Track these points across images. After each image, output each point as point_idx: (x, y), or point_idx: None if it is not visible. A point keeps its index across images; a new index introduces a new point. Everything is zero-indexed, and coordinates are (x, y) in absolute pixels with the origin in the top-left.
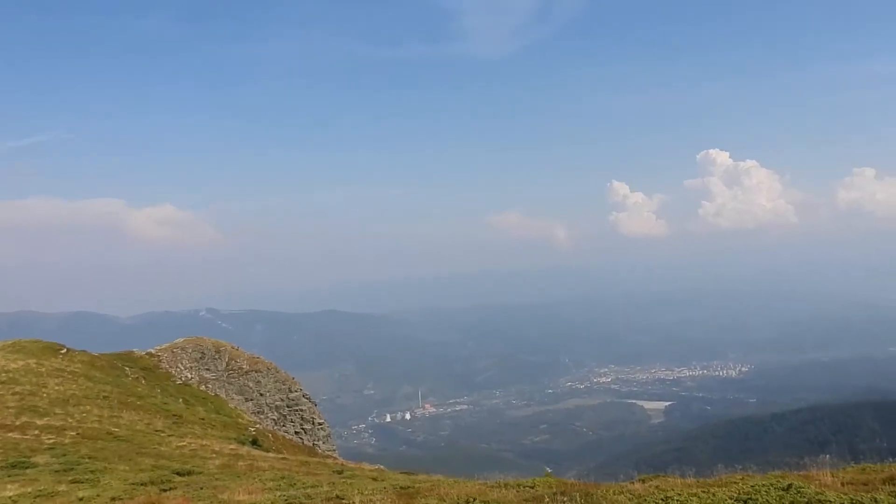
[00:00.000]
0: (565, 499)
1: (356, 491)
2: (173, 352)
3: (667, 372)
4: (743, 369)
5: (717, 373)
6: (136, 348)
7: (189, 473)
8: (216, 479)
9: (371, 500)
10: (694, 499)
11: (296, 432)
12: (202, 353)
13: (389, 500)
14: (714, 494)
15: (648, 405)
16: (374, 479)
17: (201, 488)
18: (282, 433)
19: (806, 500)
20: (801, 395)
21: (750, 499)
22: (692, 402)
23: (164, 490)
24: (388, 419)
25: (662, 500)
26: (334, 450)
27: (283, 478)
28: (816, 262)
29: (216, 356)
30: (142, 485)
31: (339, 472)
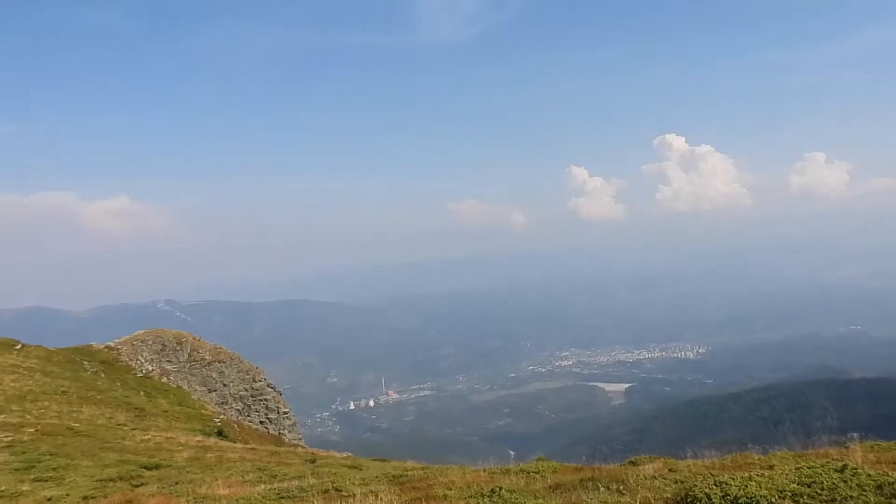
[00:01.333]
0: (599, 485)
1: (348, 481)
2: (133, 344)
3: (627, 354)
4: (700, 350)
5: (675, 354)
6: (93, 342)
7: (157, 467)
8: (187, 472)
9: (375, 493)
10: (752, 483)
11: (261, 422)
12: (163, 344)
13: (394, 491)
14: (772, 479)
15: (609, 387)
16: (350, 468)
17: (176, 483)
18: (247, 423)
19: (859, 481)
20: (756, 375)
21: (813, 482)
22: (652, 383)
23: (135, 486)
24: (352, 407)
25: (715, 484)
26: (300, 438)
27: (260, 469)
28: (770, 245)
29: (177, 347)
30: (110, 481)
31: (312, 461)
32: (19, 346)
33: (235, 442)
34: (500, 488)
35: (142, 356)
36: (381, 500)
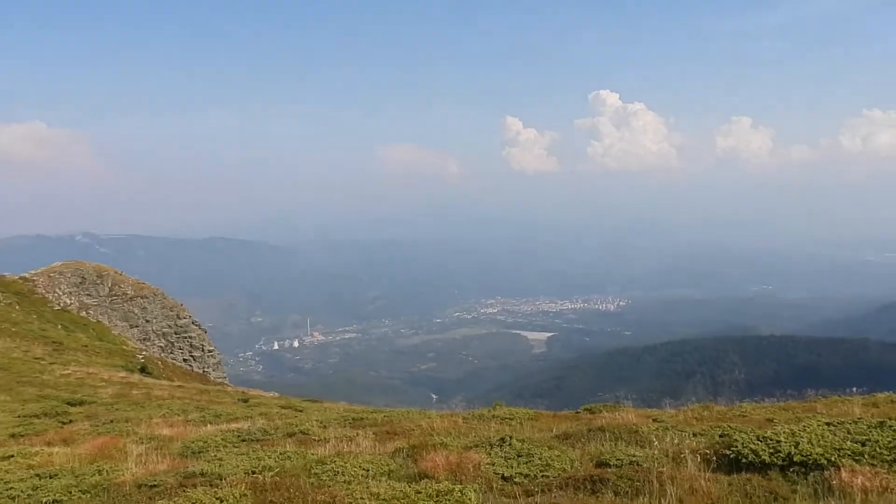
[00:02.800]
0: (610, 434)
1: (311, 424)
2: (50, 276)
3: (550, 304)
4: (621, 303)
5: (596, 306)
6: (5, 273)
7: (82, 403)
8: (116, 410)
9: (350, 438)
10: (803, 439)
11: (184, 360)
12: (82, 277)
13: (370, 437)
14: (823, 436)
15: (532, 336)
16: (284, 408)
17: (111, 421)
18: (171, 360)
19: None
20: (673, 330)
21: (867, 440)
22: (572, 333)
23: (63, 423)
24: (276, 347)
25: (760, 439)
26: (225, 377)
27: (200, 409)
28: (693, 206)
29: (98, 281)
30: (34, 417)
31: (245, 401)
32: None
33: (160, 379)
34: (511, 437)
35: (59, 289)
36: (360, 445)
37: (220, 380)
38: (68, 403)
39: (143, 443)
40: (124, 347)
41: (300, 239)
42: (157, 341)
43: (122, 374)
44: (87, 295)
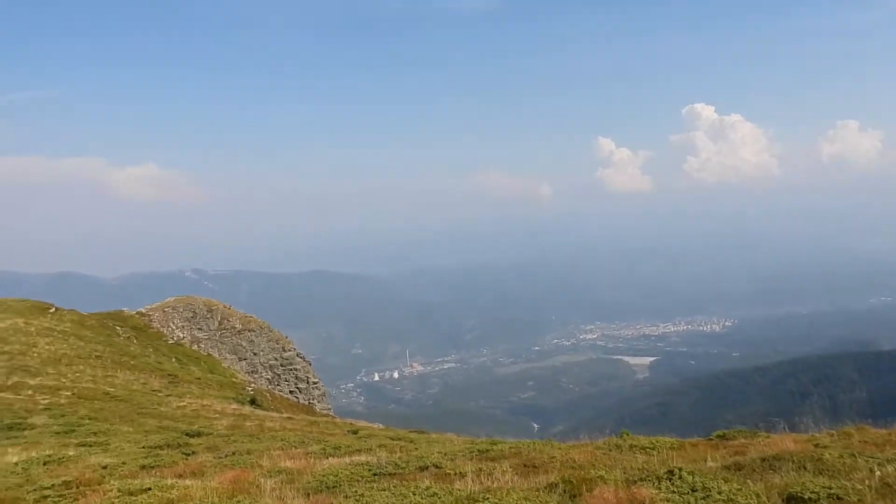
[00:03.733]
0: (791, 465)
1: (437, 454)
2: (164, 311)
3: (651, 328)
4: (726, 323)
5: (700, 327)
6: (124, 308)
7: (199, 434)
8: (234, 442)
9: (488, 472)
10: None
11: (290, 391)
12: (194, 312)
13: (509, 470)
14: None
15: (633, 361)
16: (395, 440)
17: (232, 453)
18: (277, 392)
19: None
20: (783, 348)
21: None
22: (676, 357)
23: (186, 454)
24: (377, 378)
25: None
26: (329, 409)
27: (319, 441)
28: (798, 216)
29: (208, 315)
30: (158, 448)
31: (355, 433)
32: (53, 310)
33: (269, 411)
34: (680, 469)
35: (173, 323)
36: (502, 480)
37: (325, 411)
38: (187, 434)
39: (271, 476)
40: (234, 380)
41: (396, 268)
42: (264, 373)
43: (234, 405)
44: (199, 329)
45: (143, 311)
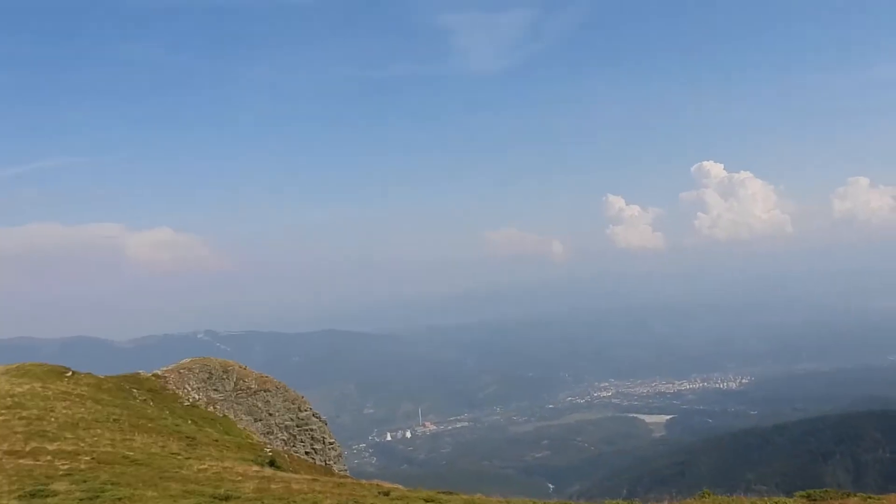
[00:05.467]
0: None
1: None
2: (180, 372)
3: (667, 385)
4: (743, 381)
5: (717, 385)
6: (139, 370)
7: (227, 499)
8: None
9: None
10: None
11: (306, 452)
12: (209, 373)
13: None
14: None
15: (649, 419)
16: (427, 501)
17: None
18: (293, 454)
19: None
20: (802, 406)
21: None
22: (693, 415)
23: None
24: (389, 438)
25: None
26: (346, 470)
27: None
28: (812, 272)
29: (224, 376)
30: None
31: (386, 494)
32: (70, 374)
33: (287, 472)
34: None
35: (188, 384)
36: None
37: (342, 472)
38: (216, 498)
39: None
40: (250, 441)
41: (408, 326)
42: (279, 434)
43: (255, 467)
44: (214, 390)
45: (159, 372)
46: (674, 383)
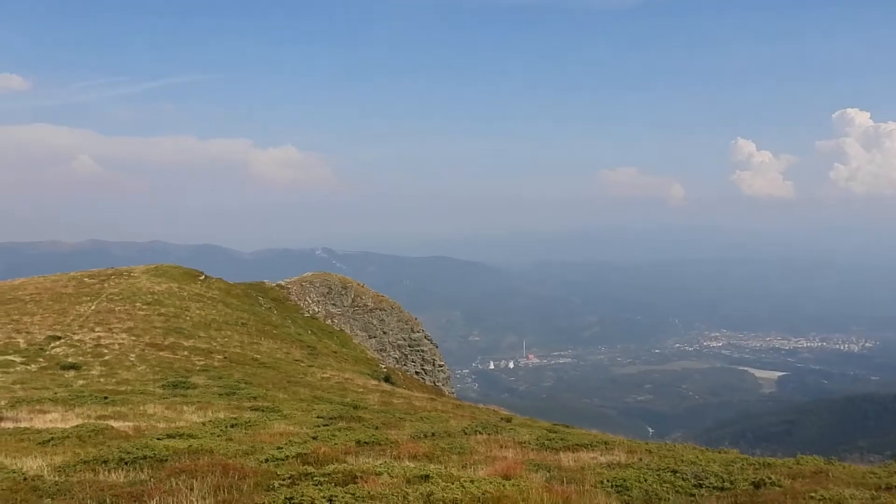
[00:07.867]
0: None
1: (693, 458)
2: (302, 285)
3: (782, 341)
4: (867, 344)
5: (837, 346)
6: (264, 279)
7: (356, 407)
8: (400, 419)
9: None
10: None
11: (416, 372)
12: (329, 287)
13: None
14: None
15: (760, 374)
16: (550, 432)
17: (431, 434)
18: (405, 371)
19: None
20: None
21: None
22: (808, 374)
23: (376, 433)
24: (492, 366)
25: None
26: (454, 392)
27: (507, 431)
28: None
29: (343, 292)
30: (332, 419)
31: (508, 420)
32: (203, 277)
33: (401, 388)
34: None
35: (309, 297)
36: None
37: (450, 394)
38: (348, 405)
39: (538, 470)
40: (366, 356)
41: (518, 260)
42: (392, 352)
43: (373, 381)
44: (333, 304)
45: (283, 283)
46: (790, 340)
